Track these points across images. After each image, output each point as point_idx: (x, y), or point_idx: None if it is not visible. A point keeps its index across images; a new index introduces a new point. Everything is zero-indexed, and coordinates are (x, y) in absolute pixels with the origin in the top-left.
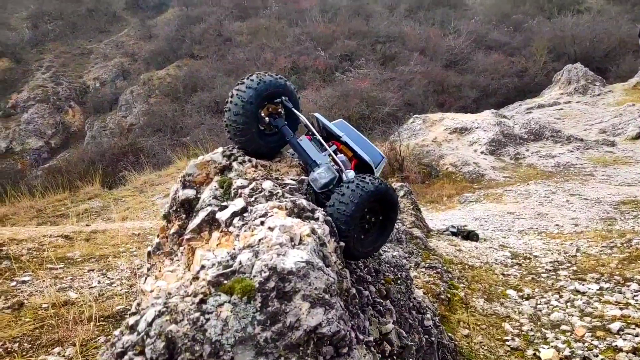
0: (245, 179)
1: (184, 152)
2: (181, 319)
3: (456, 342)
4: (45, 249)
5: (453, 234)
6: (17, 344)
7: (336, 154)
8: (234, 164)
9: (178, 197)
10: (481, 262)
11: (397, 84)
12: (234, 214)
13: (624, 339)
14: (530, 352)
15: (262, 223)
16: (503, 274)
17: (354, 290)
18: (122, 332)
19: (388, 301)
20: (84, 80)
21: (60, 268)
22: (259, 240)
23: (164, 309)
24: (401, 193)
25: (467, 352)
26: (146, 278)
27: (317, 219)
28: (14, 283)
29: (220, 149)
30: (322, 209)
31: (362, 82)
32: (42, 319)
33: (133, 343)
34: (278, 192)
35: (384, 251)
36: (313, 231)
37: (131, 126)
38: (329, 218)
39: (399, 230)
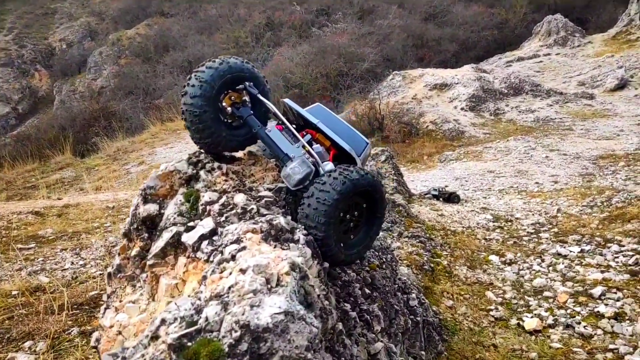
0: (215, 190)
1: (157, 115)
2: None
3: (440, 317)
4: (15, 227)
5: (435, 197)
6: None
7: (311, 145)
8: (202, 173)
9: (139, 213)
10: (463, 227)
11: (376, 39)
12: (202, 237)
13: (606, 304)
14: (514, 321)
15: (233, 257)
16: (485, 239)
17: (340, 326)
18: None
19: (375, 305)
20: (49, 41)
21: (31, 248)
22: (229, 287)
23: None
24: (382, 158)
25: (451, 325)
26: (105, 310)
27: (297, 241)
28: None
29: (186, 156)
30: (303, 227)
31: (340, 37)
32: (12, 309)
33: None
34: (252, 209)
35: None
36: (293, 267)
37: (102, 89)
38: (310, 238)
39: None
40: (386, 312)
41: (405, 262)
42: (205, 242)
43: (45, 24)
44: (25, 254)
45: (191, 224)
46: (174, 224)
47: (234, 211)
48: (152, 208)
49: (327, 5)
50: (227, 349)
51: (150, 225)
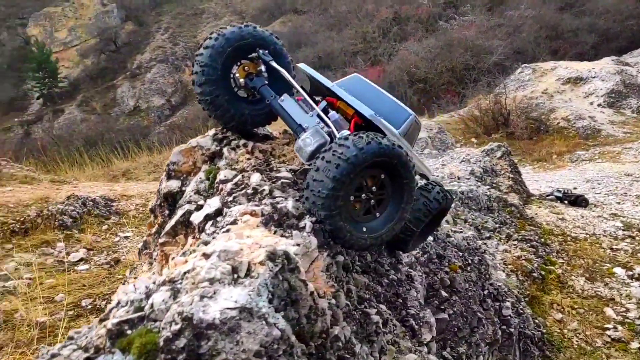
0: (234, 169)
1: None
2: None
3: (543, 331)
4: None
5: (558, 198)
6: (104, 302)
7: (327, 113)
8: (225, 150)
9: (162, 189)
10: (586, 234)
11: (506, 31)
12: (207, 217)
13: None
14: (635, 345)
15: (204, 242)
16: (611, 249)
17: (336, 331)
18: None
19: (427, 311)
20: (197, 39)
21: None
22: (184, 273)
23: None
24: (498, 154)
25: (557, 341)
26: (125, 283)
27: (302, 228)
28: (117, 238)
29: (212, 132)
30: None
31: (467, 30)
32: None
33: None
34: (264, 190)
35: (453, 232)
36: (272, 256)
37: None
38: (318, 226)
39: (490, 197)
40: (466, 319)
41: (509, 267)
42: (209, 223)
43: (195, 24)
44: None
45: (201, 202)
46: (189, 202)
47: (243, 191)
48: (174, 184)
49: None
50: (162, 343)
51: (172, 202)
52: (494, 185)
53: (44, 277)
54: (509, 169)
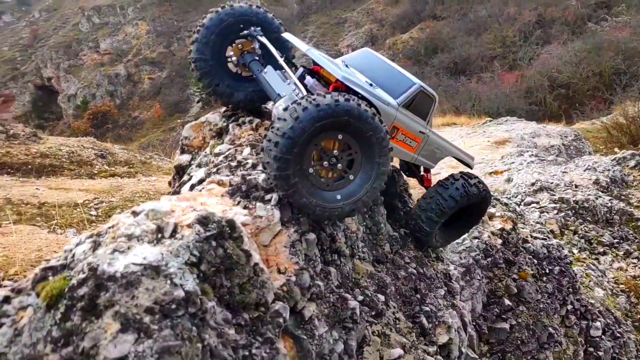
0: (234, 143)
1: None
2: None
3: None
4: None
5: None
6: None
7: (303, 79)
8: (230, 127)
9: (174, 162)
10: None
11: None
12: (192, 187)
13: None
14: None
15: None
16: None
17: (277, 306)
18: None
19: (451, 312)
20: (338, 47)
21: None
22: (108, 228)
23: None
24: (631, 163)
25: None
26: None
27: (267, 201)
28: None
29: (223, 108)
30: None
31: (620, 31)
32: None
33: None
34: (247, 163)
35: (533, 237)
36: (203, 220)
37: None
38: (285, 201)
39: (611, 209)
40: (533, 333)
41: (621, 286)
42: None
43: (337, 32)
44: None
45: (192, 173)
46: (188, 174)
47: (227, 163)
48: (184, 158)
49: None
50: (66, 290)
51: (182, 175)
52: (622, 197)
53: None
54: None
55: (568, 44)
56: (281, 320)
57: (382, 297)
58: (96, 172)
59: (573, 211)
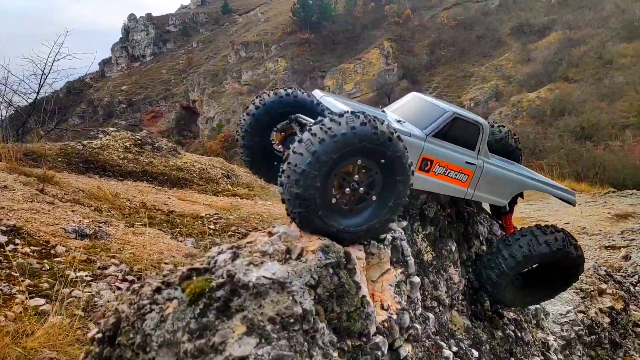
0: None
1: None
2: (135, 302)
3: None
4: None
5: None
6: None
7: None
8: None
9: None
10: None
11: None
12: None
13: None
14: None
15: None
16: None
17: (377, 340)
18: None
19: None
20: (461, 100)
21: None
22: (247, 243)
23: (136, 287)
24: None
25: None
26: None
27: (381, 240)
28: None
29: None
30: (400, 232)
31: None
32: None
33: (109, 313)
34: None
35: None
36: (325, 249)
37: None
38: (401, 244)
39: None
40: None
41: None
42: None
43: (462, 85)
44: None
45: None
46: None
47: None
48: None
49: None
50: (207, 290)
51: None
52: None
53: None
54: None
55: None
56: (379, 353)
57: (475, 353)
58: (220, 190)
59: None
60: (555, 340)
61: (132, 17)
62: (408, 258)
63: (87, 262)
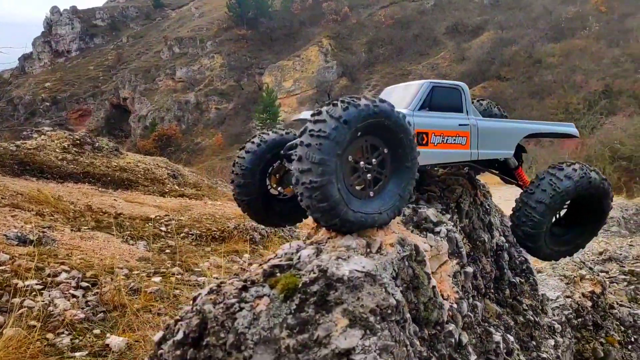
0: None
1: None
2: (220, 301)
3: None
4: None
5: None
6: None
7: None
8: None
9: None
10: None
11: None
12: None
13: None
14: None
15: None
16: None
17: (450, 327)
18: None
19: None
20: None
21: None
22: (328, 238)
23: (215, 287)
24: None
25: None
26: None
27: (437, 233)
28: None
29: None
30: (453, 224)
31: None
32: None
33: (184, 315)
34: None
35: (619, 304)
36: (402, 242)
37: None
38: (455, 235)
39: None
40: None
41: None
42: None
43: (400, 83)
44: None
45: None
46: None
47: None
48: None
49: None
50: (300, 285)
51: None
52: None
53: (227, 279)
54: None
55: (634, 117)
56: (453, 340)
57: (511, 338)
58: (167, 190)
59: None
60: (558, 324)
61: (55, 9)
62: (462, 249)
63: (35, 269)
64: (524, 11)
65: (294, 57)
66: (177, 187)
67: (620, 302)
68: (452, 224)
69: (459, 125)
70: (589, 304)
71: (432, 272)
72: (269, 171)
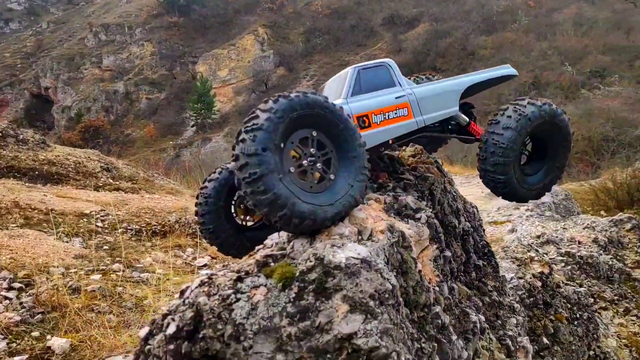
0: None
1: None
2: (214, 293)
3: None
4: None
5: None
6: None
7: None
8: None
9: None
10: None
11: None
12: None
13: None
14: None
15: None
16: None
17: (437, 309)
18: (179, 296)
19: (526, 338)
20: None
21: None
22: None
23: (206, 280)
24: (627, 226)
25: None
26: None
27: (418, 219)
28: None
29: None
30: (431, 210)
31: (612, 100)
32: None
33: (175, 307)
34: (388, 186)
35: (565, 284)
36: (391, 229)
37: None
38: (434, 221)
39: (611, 267)
40: None
41: (623, 341)
42: None
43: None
44: None
45: None
46: None
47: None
48: None
49: (603, 67)
50: (297, 274)
51: None
52: (618, 257)
53: (172, 275)
54: (638, 244)
55: (561, 107)
56: (439, 322)
57: (482, 317)
58: (101, 184)
59: (578, 266)
60: (517, 303)
61: None
62: (440, 234)
63: None
64: (457, 4)
65: (229, 46)
66: (111, 181)
67: (565, 282)
68: (430, 210)
69: (396, 98)
70: (539, 284)
71: (416, 257)
72: (234, 202)
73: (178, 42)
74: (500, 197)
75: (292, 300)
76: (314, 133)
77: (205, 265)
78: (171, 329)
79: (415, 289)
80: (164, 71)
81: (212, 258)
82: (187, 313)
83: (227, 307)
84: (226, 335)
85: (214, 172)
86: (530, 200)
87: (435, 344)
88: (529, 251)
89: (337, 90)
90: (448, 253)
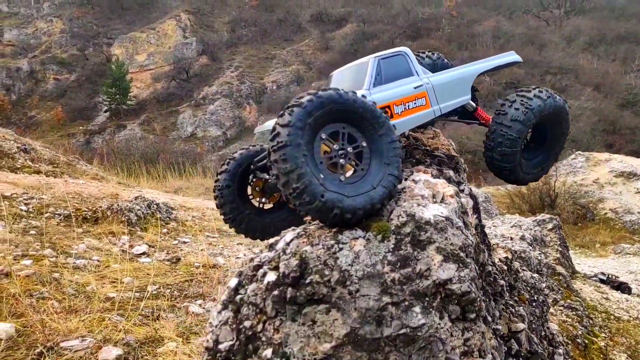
0: None
1: None
2: (317, 243)
3: None
4: (206, 220)
5: (602, 281)
6: (168, 290)
7: None
8: None
9: None
10: (630, 316)
11: None
12: None
13: None
14: None
15: (405, 179)
16: None
17: (490, 268)
18: (261, 250)
19: (521, 308)
20: (263, 82)
21: (215, 237)
22: (402, 189)
23: (303, 232)
24: (549, 226)
25: None
26: None
27: (462, 191)
28: (176, 242)
29: None
30: (469, 185)
31: None
32: (192, 275)
33: (269, 259)
34: (426, 161)
35: (522, 270)
36: (457, 194)
37: None
38: (474, 193)
39: (541, 261)
40: (530, 351)
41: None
42: None
43: (264, 67)
44: (210, 240)
45: None
46: None
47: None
48: None
49: (517, 79)
50: (392, 228)
51: None
52: (542, 254)
53: (111, 262)
54: (558, 242)
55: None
56: (491, 279)
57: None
58: (19, 166)
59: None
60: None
61: None
62: (479, 205)
63: None
64: (384, 7)
65: (148, 30)
66: (30, 163)
67: (522, 268)
68: (467, 184)
69: (414, 88)
70: (505, 268)
71: None
72: (251, 184)
73: (92, 20)
74: (502, 179)
75: (391, 250)
76: (343, 127)
77: (144, 253)
78: (270, 277)
79: (476, 249)
80: (75, 51)
81: (150, 246)
82: (292, 261)
83: (332, 255)
84: (332, 280)
85: (224, 164)
86: (528, 183)
87: (487, 299)
88: (491, 239)
89: (355, 80)
90: (483, 223)
